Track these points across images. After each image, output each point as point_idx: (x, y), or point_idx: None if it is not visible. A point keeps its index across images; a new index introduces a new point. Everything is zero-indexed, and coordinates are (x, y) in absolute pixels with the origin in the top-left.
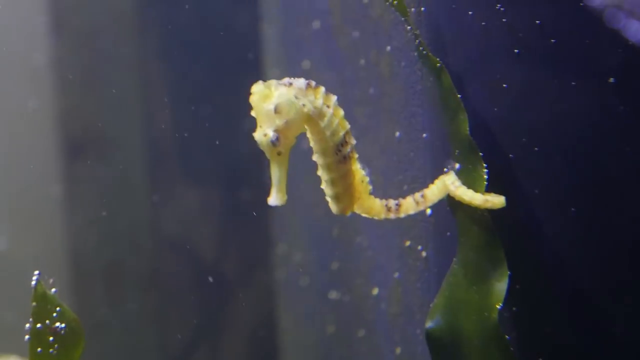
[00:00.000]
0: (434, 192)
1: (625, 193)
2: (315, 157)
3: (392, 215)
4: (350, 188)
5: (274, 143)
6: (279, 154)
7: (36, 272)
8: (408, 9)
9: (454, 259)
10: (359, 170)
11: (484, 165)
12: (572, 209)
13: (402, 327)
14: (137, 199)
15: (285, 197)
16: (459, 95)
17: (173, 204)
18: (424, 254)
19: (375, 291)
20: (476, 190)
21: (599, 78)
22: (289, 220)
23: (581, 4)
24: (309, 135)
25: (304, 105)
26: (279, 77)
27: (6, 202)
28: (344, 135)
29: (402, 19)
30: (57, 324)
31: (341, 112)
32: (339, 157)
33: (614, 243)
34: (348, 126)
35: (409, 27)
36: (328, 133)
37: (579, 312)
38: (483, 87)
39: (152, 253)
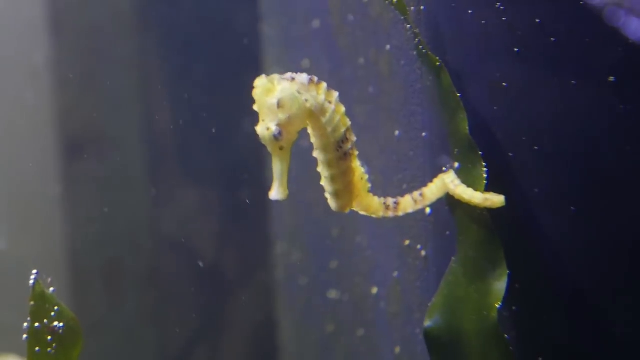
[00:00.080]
0: (432, 191)
1: (625, 192)
2: (315, 154)
3: (390, 214)
4: (350, 185)
5: (277, 137)
6: (281, 148)
7: (34, 272)
8: (407, 8)
9: (453, 258)
10: (358, 168)
11: (484, 164)
12: (572, 208)
13: (402, 326)
14: (136, 198)
15: (287, 192)
16: (458, 94)
17: (172, 203)
18: (423, 253)
19: (375, 290)
20: (476, 190)
21: (599, 77)
22: (288, 220)
23: (581, 2)
24: (310, 131)
25: (306, 100)
26: None
27: (5, 201)
28: (345, 132)
29: (402, 17)
30: (55, 323)
31: (343, 109)
32: (339, 154)
33: (614, 242)
34: (349, 123)
35: (408, 26)
36: (329, 129)
37: (578, 312)
38: (483, 86)
39: (151, 252)
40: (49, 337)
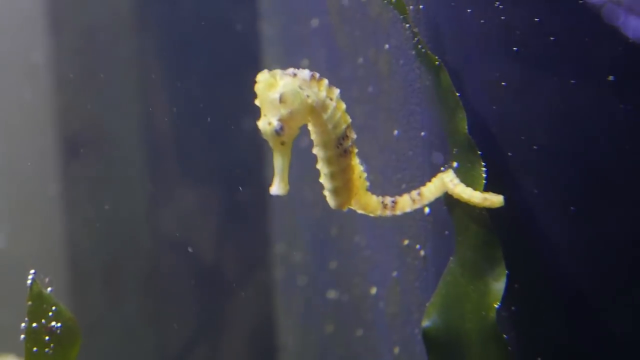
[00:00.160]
0: (430, 190)
1: (625, 191)
2: (315, 150)
3: (388, 213)
4: (349, 182)
5: (278, 132)
6: (282, 143)
7: (32, 271)
8: (406, 7)
9: (451, 258)
10: (357, 165)
11: (483, 163)
12: (572, 207)
13: (401, 326)
14: (135, 198)
15: (288, 187)
16: (457, 94)
17: (172, 203)
18: (422, 253)
19: (374, 290)
20: (475, 189)
21: (598, 76)
22: (288, 220)
23: (580, 1)
24: (310, 127)
25: (308, 96)
26: None
27: (3, 201)
28: (346, 129)
29: (401, 17)
30: (53, 323)
31: (343, 106)
32: (339, 151)
33: (614, 242)
34: (349, 120)
35: (407, 25)
36: (330, 126)
37: (578, 312)
38: (482, 86)
39: (151, 252)
40: (47, 337)
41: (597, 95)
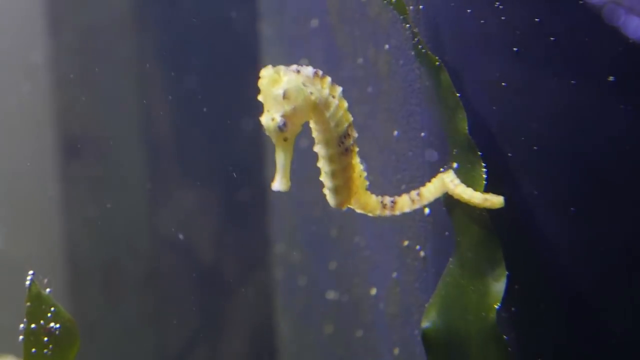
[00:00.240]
0: (430, 190)
1: (626, 192)
2: (317, 148)
3: (387, 212)
4: (349, 181)
5: (281, 128)
6: (285, 139)
7: (30, 272)
8: (406, 7)
9: (451, 259)
10: (358, 165)
11: (483, 164)
12: (572, 208)
13: (401, 327)
14: (134, 198)
15: (289, 183)
16: (457, 94)
17: (171, 203)
18: (422, 253)
19: (374, 291)
20: (475, 190)
21: (599, 76)
22: (287, 220)
23: (580, 1)
24: (312, 125)
25: (311, 93)
26: None
27: (2, 201)
28: (347, 128)
29: (401, 17)
30: (52, 324)
31: (345, 104)
32: (341, 149)
33: (614, 242)
34: (351, 118)
35: (407, 25)
36: (332, 124)
37: (578, 313)
38: (482, 86)
39: (150, 252)
40: (45, 338)
41: (597, 96)
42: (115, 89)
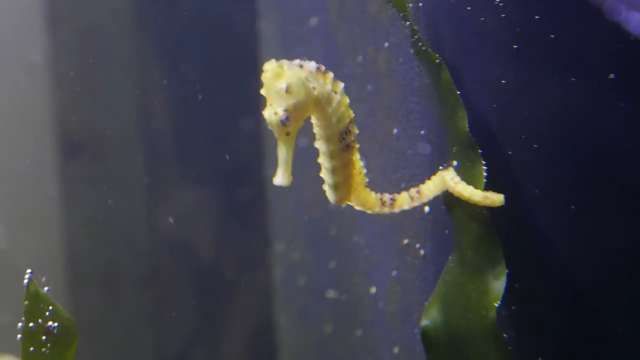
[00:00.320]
0: (430, 188)
1: (626, 190)
2: (318, 144)
3: (386, 210)
4: (349, 178)
5: (284, 122)
6: (287, 134)
7: (28, 271)
8: (406, 5)
9: (450, 257)
10: (358, 161)
11: (483, 162)
12: (572, 207)
13: (400, 326)
14: (134, 198)
15: (291, 178)
16: (458, 92)
17: (170, 203)
18: (422, 252)
19: (373, 290)
20: (475, 188)
21: (599, 74)
22: (287, 219)
23: None
24: (313, 120)
25: (314, 88)
26: None
27: (2, 201)
28: (348, 124)
29: (401, 14)
30: (50, 323)
31: (347, 100)
32: (342, 145)
33: (615, 241)
34: (352, 115)
35: (407, 23)
36: (334, 119)
37: (579, 312)
38: (481, 84)
39: (150, 253)
40: (44, 337)
41: (597, 94)
42: (114, 88)
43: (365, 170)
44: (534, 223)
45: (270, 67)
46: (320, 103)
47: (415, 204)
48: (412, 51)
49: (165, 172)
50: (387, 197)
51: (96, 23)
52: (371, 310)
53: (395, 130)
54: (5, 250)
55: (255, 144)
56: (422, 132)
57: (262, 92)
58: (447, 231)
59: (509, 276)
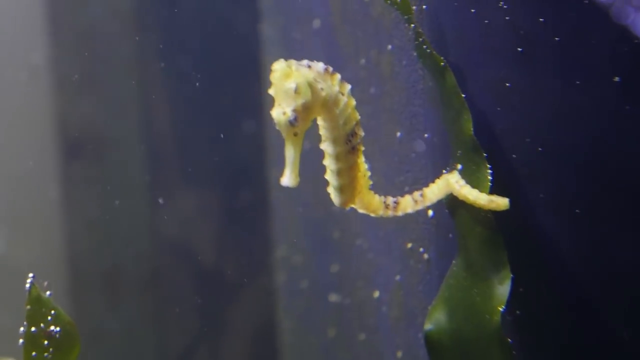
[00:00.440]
0: (433, 191)
1: (632, 194)
2: (324, 146)
3: (390, 213)
4: (354, 180)
5: (292, 123)
6: (295, 134)
7: (30, 275)
8: (411, 7)
9: (454, 261)
10: (362, 164)
11: (488, 166)
12: (577, 210)
13: (404, 330)
14: (136, 201)
15: (298, 179)
16: (462, 95)
17: (172, 206)
18: (425, 256)
19: (376, 294)
20: (480, 191)
21: (604, 77)
22: (289, 223)
23: (585, 1)
24: (320, 122)
25: (322, 89)
26: None
27: (3, 204)
28: (355, 126)
29: (405, 17)
30: (52, 327)
31: (353, 102)
32: (348, 147)
33: (619, 245)
34: (359, 117)
35: (412, 25)
36: (341, 121)
37: (584, 317)
38: (486, 87)
39: (152, 256)
40: (46, 342)
41: (602, 97)
42: (116, 89)
43: (369, 173)
44: (538, 227)
45: (279, 67)
46: (328, 104)
47: (419, 207)
48: (415, 54)
49: (167, 175)
50: (390, 200)
51: (97, 24)
52: (374, 314)
53: (398, 133)
54: (6, 253)
55: (257, 146)
56: (426, 135)
57: (270, 91)
58: (451, 235)
59: (513, 280)
